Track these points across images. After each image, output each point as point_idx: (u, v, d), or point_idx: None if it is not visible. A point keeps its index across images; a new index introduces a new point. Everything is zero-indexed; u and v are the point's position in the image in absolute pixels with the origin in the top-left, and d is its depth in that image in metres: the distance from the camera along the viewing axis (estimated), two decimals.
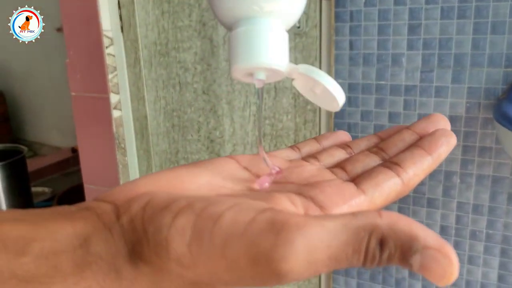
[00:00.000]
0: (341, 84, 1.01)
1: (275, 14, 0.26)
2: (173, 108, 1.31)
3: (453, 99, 0.94)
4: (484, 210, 0.97)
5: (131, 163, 1.43)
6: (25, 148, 1.96)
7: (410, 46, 0.95)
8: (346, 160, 0.26)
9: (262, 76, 0.25)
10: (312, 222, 0.17)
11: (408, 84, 0.97)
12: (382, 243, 0.16)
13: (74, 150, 3.06)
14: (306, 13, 1.04)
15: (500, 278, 0.99)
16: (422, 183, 1.01)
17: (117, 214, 0.19)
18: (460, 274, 1.03)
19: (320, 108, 1.10)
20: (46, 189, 2.40)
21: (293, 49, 1.08)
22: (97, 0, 1.26)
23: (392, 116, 1.00)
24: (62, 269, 0.17)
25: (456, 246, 1.01)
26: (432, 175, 0.99)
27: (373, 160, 0.25)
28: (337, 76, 1.03)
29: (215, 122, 1.25)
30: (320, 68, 1.07)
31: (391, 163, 0.23)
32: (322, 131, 1.11)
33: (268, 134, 1.19)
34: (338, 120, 1.06)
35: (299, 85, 0.29)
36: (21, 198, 1.90)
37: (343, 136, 0.30)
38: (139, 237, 0.18)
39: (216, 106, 1.24)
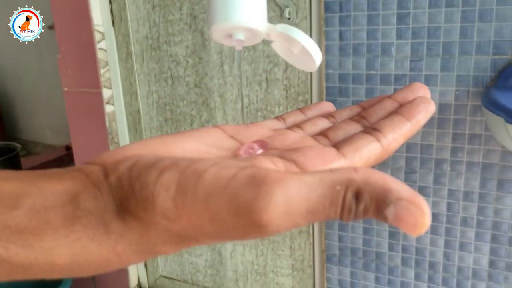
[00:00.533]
0: (332, 75, 1.02)
1: None
2: (165, 102, 1.31)
3: (443, 87, 0.95)
4: (475, 196, 0.98)
5: None
6: (18, 146, 1.95)
7: (399, 36, 0.95)
8: (328, 128, 0.26)
9: (241, 36, 0.26)
10: (291, 177, 0.17)
11: (398, 73, 0.98)
12: (357, 195, 0.17)
13: (68, 148, 3.06)
14: (296, 4, 1.04)
15: (491, 264, 1.01)
16: (413, 171, 1.02)
17: (105, 174, 0.20)
18: (452, 260, 1.04)
19: (311, 99, 1.10)
20: None
21: None
22: None
23: None
24: (52, 222, 0.18)
25: (448, 233, 1.02)
26: (423, 163, 1.00)
27: (355, 128, 0.26)
28: (327, 67, 1.03)
29: (207, 115, 1.26)
30: None
31: (371, 129, 0.24)
32: None
33: None
34: None
35: (277, 47, 0.29)
36: None
37: (328, 106, 0.30)
38: (126, 193, 0.19)
39: (209, 99, 1.24)
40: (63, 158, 2.93)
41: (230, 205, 0.17)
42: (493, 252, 1.00)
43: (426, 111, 0.25)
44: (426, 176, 1.02)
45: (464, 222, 1.01)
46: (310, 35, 1.05)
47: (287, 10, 1.05)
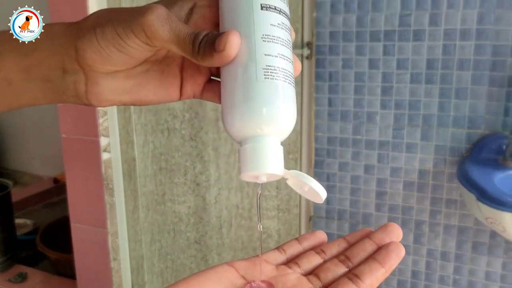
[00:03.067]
0: (321, 137, 1.10)
1: (272, 133, 0.34)
2: (161, 152, 1.37)
3: (422, 155, 1.03)
4: (451, 256, 1.05)
5: (118, 203, 1.47)
6: (10, 184, 1.98)
7: (383, 106, 1.04)
8: (320, 269, 0.33)
9: (264, 178, 0.33)
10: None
11: (381, 139, 1.06)
12: None
13: (57, 181, 3.07)
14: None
15: None
16: None
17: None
18: None
19: (301, 158, 1.17)
20: (28, 221, 2.40)
21: None
22: None
23: (367, 168, 1.08)
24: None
25: None
26: (405, 224, 1.07)
27: (340, 269, 0.32)
28: (317, 130, 1.11)
29: (201, 167, 1.32)
30: (301, 122, 1.15)
31: (353, 275, 0.31)
32: None
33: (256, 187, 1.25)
34: (318, 169, 1.14)
35: (291, 183, 0.36)
36: (6, 233, 1.92)
37: (320, 235, 0.37)
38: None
39: (203, 152, 1.30)
40: (51, 191, 2.95)
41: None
42: None
43: (397, 257, 0.32)
44: (407, 236, 1.08)
45: (442, 280, 1.07)
46: (301, 101, 1.13)
47: None
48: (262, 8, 0.33)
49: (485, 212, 0.76)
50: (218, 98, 0.35)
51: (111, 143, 1.42)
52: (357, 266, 0.32)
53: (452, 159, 1.00)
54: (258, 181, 0.34)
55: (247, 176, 0.34)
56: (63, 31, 0.32)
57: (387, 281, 1.12)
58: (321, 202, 0.35)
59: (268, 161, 0.33)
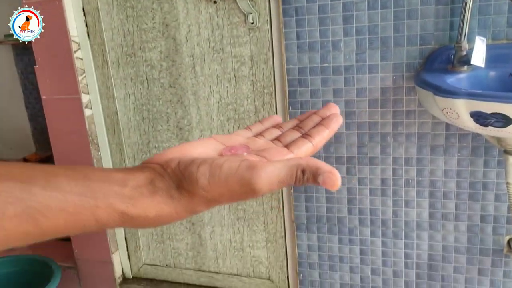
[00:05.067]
0: (292, 69, 1.22)
1: None
2: (142, 102, 1.45)
3: (383, 74, 1.16)
4: (413, 161, 1.21)
5: (104, 157, 1.55)
6: None
7: (346, 33, 1.16)
8: (280, 136, 0.43)
9: None
10: (269, 164, 0.35)
11: (346, 64, 1.18)
12: (303, 171, 0.34)
13: (26, 160, 3.07)
14: (257, 10, 1.23)
15: (431, 216, 1.23)
16: (363, 145, 1.23)
17: (163, 168, 0.36)
18: (399, 216, 1.26)
19: (275, 91, 1.29)
20: None
21: (248, 42, 1.27)
22: (64, 9, 1.38)
23: (336, 92, 1.21)
24: (144, 194, 0.35)
25: (394, 193, 1.24)
26: (371, 138, 1.22)
27: (296, 134, 0.42)
28: (288, 62, 1.22)
29: (182, 112, 1.42)
30: (273, 57, 1.26)
31: (306, 135, 0.41)
32: (279, 111, 1.31)
33: (232, 118, 1.36)
34: (292, 99, 1.26)
35: None
36: None
37: (277, 119, 0.48)
38: (180, 178, 0.36)
39: (183, 98, 1.40)
40: None
41: (239, 182, 0.34)
42: (431, 205, 1.23)
43: (337, 121, 0.43)
44: (375, 149, 1.23)
45: (407, 183, 1.23)
46: (271, 37, 1.24)
47: (250, 16, 1.23)
48: None
49: (441, 104, 0.90)
50: None
51: (92, 99, 1.49)
52: (308, 131, 0.43)
53: (408, 74, 1.14)
54: None
55: None
56: None
57: (360, 191, 1.27)
58: None
59: None
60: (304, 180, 0.34)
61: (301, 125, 0.44)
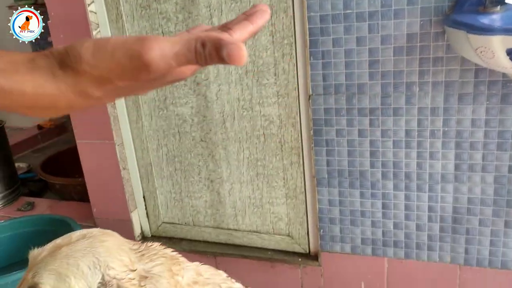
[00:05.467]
0: (313, 17, 1.17)
1: None
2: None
3: (409, 19, 1.11)
4: (440, 111, 1.17)
5: (121, 115, 1.53)
6: (3, 121, 2.00)
7: None
8: (223, 26, 0.39)
9: None
10: (164, 38, 0.32)
11: (371, 10, 1.14)
12: (203, 44, 0.31)
13: (41, 127, 3.08)
14: None
15: (456, 167, 1.20)
16: (387, 95, 1.19)
17: (57, 50, 0.36)
18: (424, 169, 1.23)
19: (295, 41, 1.25)
20: (21, 164, 2.44)
21: None
22: None
23: (359, 40, 1.17)
24: (20, 70, 0.35)
25: (419, 145, 1.21)
26: (396, 87, 1.18)
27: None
28: (309, 10, 1.18)
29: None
30: (293, 5, 1.21)
31: (227, 29, 0.36)
32: (299, 63, 1.27)
33: (250, 71, 1.33)
34: (313, 49, 1.22)
35: None
36: (6, 166, 1.96)
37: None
38: (64, 56, 0.34)
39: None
40: (37, 137, 2.97)
41: (127, 53, 0.32)
42: (457, 157, 1.19)
43: (262, 18, 0.38)
44: (399, 99, 1.19)
45: (432, 134, 1.19)
46: None
47: None
48: None
49: (475, 43, 0.86)
50: None
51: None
52: (232, 28, 0.38)
53: (436, 18, 1.09)
54: None
55: None
56: None
57: (383, 143, 1.23)
58: None
59: None
60: (206, 54, 0.32)
61: (229, 25, 0.39)
